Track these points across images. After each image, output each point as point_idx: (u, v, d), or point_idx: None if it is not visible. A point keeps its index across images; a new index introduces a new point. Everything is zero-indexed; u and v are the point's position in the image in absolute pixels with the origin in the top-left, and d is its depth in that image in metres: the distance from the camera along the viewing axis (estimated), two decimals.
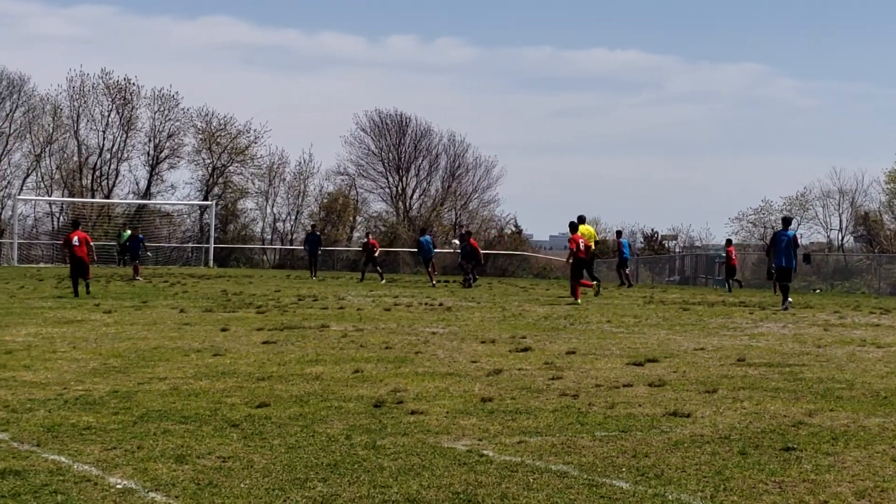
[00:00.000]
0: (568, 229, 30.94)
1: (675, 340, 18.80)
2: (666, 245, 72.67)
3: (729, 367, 15.07)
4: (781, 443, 9.55)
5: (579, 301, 28.66)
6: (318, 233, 50.95)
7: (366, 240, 47.55)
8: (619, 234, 48.10)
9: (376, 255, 45.55)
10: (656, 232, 73.92)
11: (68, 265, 31.66)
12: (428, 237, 43.53)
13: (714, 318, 24.10)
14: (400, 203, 76.77)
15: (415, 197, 77.71)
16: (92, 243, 30.92)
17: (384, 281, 42.57)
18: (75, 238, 29.98)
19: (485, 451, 9.07)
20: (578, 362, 15.30)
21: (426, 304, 27.02)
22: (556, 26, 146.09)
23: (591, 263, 33.80)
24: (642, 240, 72.89)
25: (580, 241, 29.68)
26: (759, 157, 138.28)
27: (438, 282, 39.72)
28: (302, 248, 55.70)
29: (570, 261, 29.57)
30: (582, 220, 33.18)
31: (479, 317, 23.29)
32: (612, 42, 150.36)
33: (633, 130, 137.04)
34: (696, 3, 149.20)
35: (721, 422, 10.63)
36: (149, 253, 43.03)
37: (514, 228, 73.77)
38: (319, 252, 47.91)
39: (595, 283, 32.59)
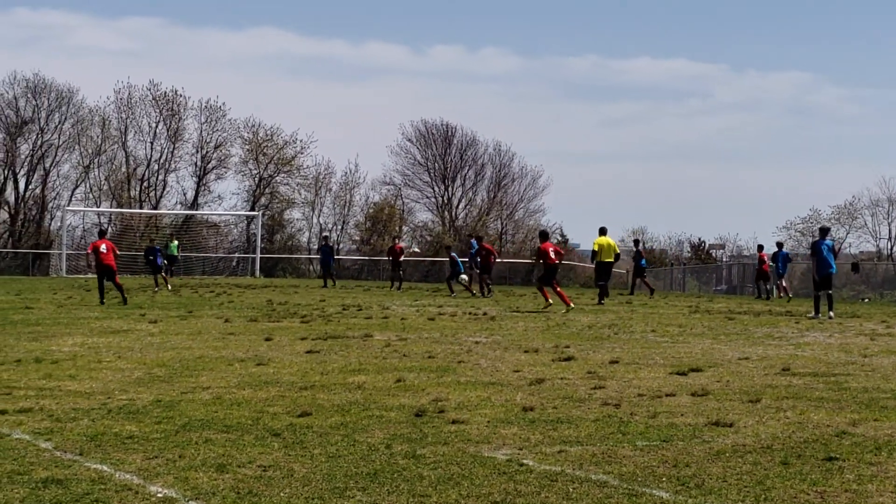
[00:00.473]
0: (539, 238, 33.23)
1: (719, 350, 18.70)
2: (713, 254, 72.39)
3: (773, 376, 14.97)
4: (824, 453, 9.47)
5: (551, 301, 29.56)
6: (332, 244, 50.99)
7: (392, 244, 47.72)
8: (636, 242, 47.96)
9: (401, 259, 45.39)
10: (703, 241, 73.66)
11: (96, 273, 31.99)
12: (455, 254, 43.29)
13: (760, 328, 23.95)
14: (446, 213, 76.88)
15: (461, 206, 77.87)
16: (118, 252, 32.16)
17: (398, 289, 42.51)
18: (102, 245, 30.72)
19: (525, 461, 9.06)
20: (621, 371, 15.25)
21: (470, 313, 27.02)
22: (601, 35, 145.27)
23: (608, 274, 35.49)
24: (689, 249, 72.63)
25: (550, 249, 30.93)
26: (807, 166, 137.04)
27: (473, 293, 39.26)
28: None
29: (543, 267, 30.98)
30: (603, 231, 34.95)
31: (523, 326, 23.26)
32: (657, 51, 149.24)
33: (679, 139, 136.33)
34: (743, 12, 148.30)
35: (763, 431, 10.57)
36: (164, 262, 42.45)
37: (560, 238, 73.66)
38: (332, 262, 47.81)
39: (601, 292, 33.64)
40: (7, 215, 71.03)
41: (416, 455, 9.24)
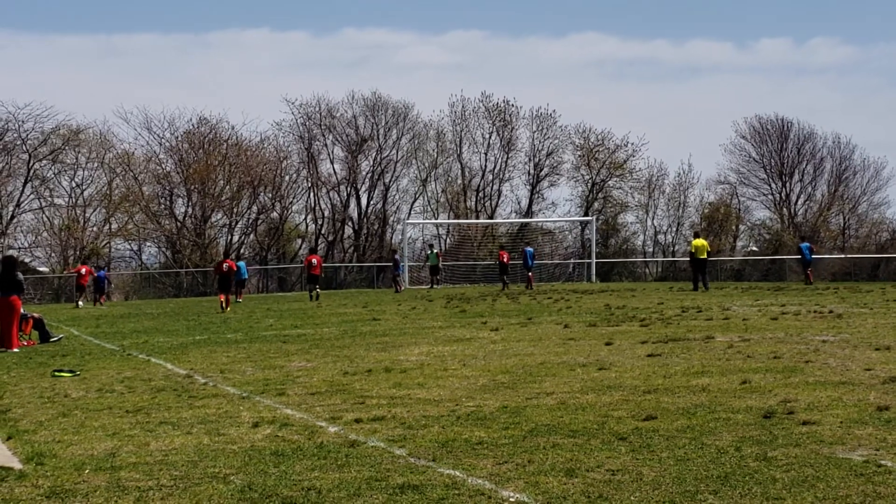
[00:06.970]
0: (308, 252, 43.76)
1: None
2: None
3: None
4: None
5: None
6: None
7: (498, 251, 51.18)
8: (802, 238, 46.66)
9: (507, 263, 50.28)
10: None
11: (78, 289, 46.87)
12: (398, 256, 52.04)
13: None
14: (784, 209, 75.07)
15: (799, 203, 75.83)
16: (95, 274, 47.35)
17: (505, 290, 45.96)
18: (83, 269, 46.37)
19: (883, 462, 8.72)
20: None
21: (815, 311, 26.23)
22: None
23: (704, 268, 41.18)
24: None
25: (313, 259, 42.66)
26: None
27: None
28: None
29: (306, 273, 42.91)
30: (697, 234, 44.00)
31: (873, 323, 22.39)
32: None
33: None
34: None
35: None
36: (107, 290, 47.15)
37: None
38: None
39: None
40: (351, 230, 74.02)
41: (768, 457, 9.03)
